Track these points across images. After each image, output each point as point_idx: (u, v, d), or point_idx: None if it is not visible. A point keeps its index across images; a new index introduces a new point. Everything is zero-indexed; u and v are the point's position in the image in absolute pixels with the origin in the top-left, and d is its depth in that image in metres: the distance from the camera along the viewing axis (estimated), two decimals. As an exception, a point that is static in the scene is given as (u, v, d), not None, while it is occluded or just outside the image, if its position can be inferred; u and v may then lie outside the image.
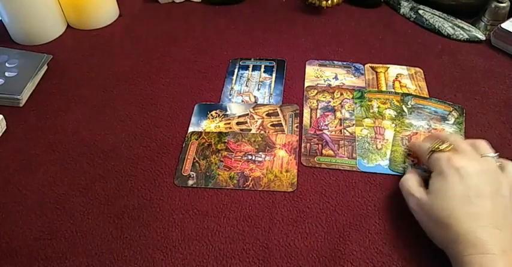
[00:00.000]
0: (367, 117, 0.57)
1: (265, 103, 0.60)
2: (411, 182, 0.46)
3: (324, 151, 0.54)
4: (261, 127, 0.56)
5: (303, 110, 0.59)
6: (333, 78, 0.63)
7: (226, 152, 0.53)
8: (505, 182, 0.42)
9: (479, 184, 0.41)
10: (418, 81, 0.63)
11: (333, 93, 0.61)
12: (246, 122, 0.57)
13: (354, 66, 0.65)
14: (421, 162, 0.51)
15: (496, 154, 0.45)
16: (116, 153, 0.54)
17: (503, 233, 0.38)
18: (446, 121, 0.57)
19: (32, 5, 0.66)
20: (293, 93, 0.61)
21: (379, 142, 0.54)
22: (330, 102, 0.60)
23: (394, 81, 0.63)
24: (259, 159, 0.53)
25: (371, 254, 0.44)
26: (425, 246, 0.44)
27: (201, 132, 0.56)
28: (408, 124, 0.56)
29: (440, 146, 0.45)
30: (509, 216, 0.40)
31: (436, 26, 0.71)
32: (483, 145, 0.46)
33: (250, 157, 0.53)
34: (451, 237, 0.40)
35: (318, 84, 0.63)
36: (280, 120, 0.57)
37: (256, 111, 0.59)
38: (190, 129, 0.57)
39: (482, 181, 0.41)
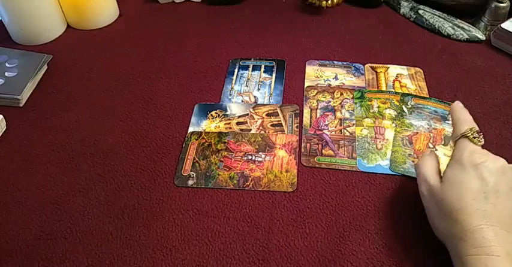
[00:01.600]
0: (367, 117, 0.57)
1: (265, 103, 0.60)
2: (428, 167, 0.44)
3: (324, 151, 0.54)
4: (261, 127, 0.56)
5: (303, 110, 0.59)
6: (333, 78, 0.63)
7: (226, 152, 0.53)
8: None
9: (498, 182, 0.40)
10: (418, 81, 0.63)
11: (333, 93, 0.61)
12: (246, 122, 0.57)
13: (354, 66, 0.65)
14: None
15: None
16: (116, 153, 0.54)
17: (510, 235, 0.38)
18: (447, 121, 0.57)
19: (32, 5, 0.66)
20: (293, 93, 0.61)
21: (379, 142, 0.54)
22: (330, 102, 0.60)
23: (394, 81, 0.63)
24: (259, 159, 0.53)
25: (371, 254, 0.44)
26: (425, 246, 0.44)
27: (201, 132, 0.56)
28: (408, 124, 0.56)
29: (474, 137, 0.43)
30: None
31: (436, 26, 0.71)
32: None
33: (250, 157, 0.53)
34: (457, 232, 0.39)
35: (318, 84, 0.63)
36: (280, 120, 0.57)
37: (256, 111, 0.59)
38: (190, 129, 0.57)
39: (502, 179, 0.40)
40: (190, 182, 0.51)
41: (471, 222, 0.38)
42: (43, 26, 0.70)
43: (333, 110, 0.59)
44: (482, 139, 0.43)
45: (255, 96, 0.61)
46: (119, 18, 0.76)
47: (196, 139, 0.55)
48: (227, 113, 0.59)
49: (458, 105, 0.47)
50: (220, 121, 0.58)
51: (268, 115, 0.58)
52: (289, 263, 0.44)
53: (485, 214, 0.38)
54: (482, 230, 0.37)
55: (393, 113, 0.58)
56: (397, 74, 0.64)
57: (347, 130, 0.56)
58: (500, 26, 0.66)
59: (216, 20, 0.75)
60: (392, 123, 0.57)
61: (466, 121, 0.45)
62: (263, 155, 0.53)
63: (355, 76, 0.64)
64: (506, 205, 0.39)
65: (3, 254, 0.45)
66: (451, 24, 0.71)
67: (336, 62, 0.66)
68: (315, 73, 0.64)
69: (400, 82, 0.63)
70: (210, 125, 0.57)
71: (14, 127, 0.58)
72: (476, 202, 0.39)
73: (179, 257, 0.44)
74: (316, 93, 0.61)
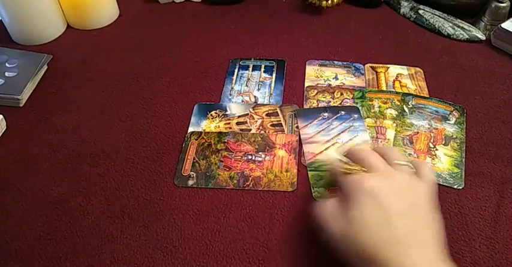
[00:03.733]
0: (368, 117, 0.57)
1: (265, 103, 0.60)
2: (328, 212, 0.41)
3: (324, 151, 0.53)
4: (260, 127, 0.56)
5: (303, 110, 0.59)
6: (333, 78, 0.63)
7: (226, 152, 0.53)
8: (421, 189, 0.40)
9: (394, 204, 0.38)
10: (418, 81, 0.63)
11: (333, 93, 0.61)
12: (246, 122, 0.57)
13: (354, 66, 0.65)
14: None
15: (408, 162, 0.43)
16: (116, 153, 0.54)
17: (426, 251, 0.37)
18: (447, 121, 0.57)
19: (32, 5, 0.66)
20: (293, 93, 0.61)
21: (381, 141, 0.54)
22: (330, 102, 0.60)
23: (394, 81, 0.63)
24: (259, 159, 0.53)
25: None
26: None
27: (200, 132, 0.56)
28: (409, 124, 0.56)
29: (349, 169, 0.42)
30: (431, 230, 0.38)
31: (436, 26, 0.71)
32: (394, 153, 0.44)
33: (250, 157, 0.53)
34: None
35: (318, 84, 0.63)
36: (280, 120, 0.57)
37: (256, 111, 0.59)
38: (190, 129, 0.57)
39: (397, 199, 0.38)
40: (190, 182, 0.51)
41: (386, 254, 0.36)
42: (43, 26, 0.70)
43: (333, 110, 0.58)
44: (361, 168, 0.42)
45: (255, 96, 0.61)
46: (119, 18, 0.76)
47: (196, 139, 0.55)
48: (227, 113, 0.58)
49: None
50: (220, 121, 0.58)
51: (268, 115, 0.58)
52: (289, 263, 0.44)
53: (398, 239, 0.36)
54: (399, 260, 0.35)
55: (394, 113, 0.58)
56: (397, 74, 0.64)
57: (347, 130, 0.56)
58: (500, 26, 0.66)
59: (216, 20, 0.75)
60: (393, 122, 0.57)
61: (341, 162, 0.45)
62: (263, 155, 0.53)
63: (355, 76, 0.64)
64: (414, 223, 0.38)
65: (4, 254, 0.45)
66: (451, 24, 0.71)
67: (336, 62, 0.66)
68: (315, 73, 0.64)
69: (400, 82, 0.63)
70: (209, 125, 0.57)
71: (14, 127, 0.58)
72: (383, 232, 0.37)
73: (179, 257, 0.44)
74: (316, 93, 0.61)
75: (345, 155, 0.46)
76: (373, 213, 0.38)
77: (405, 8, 0.75)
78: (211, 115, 0.58)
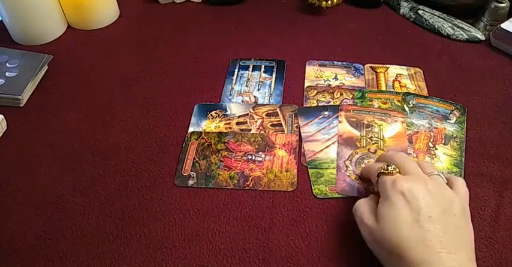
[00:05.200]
0: (367, 117, 0.57)
1: (265, 103, 0.60)
2: (363, 208, 0.43)
3: (324, 151, 0.54)
4: (260, 127, 0.56)
5: (303, 110, 0.59)
6: (333, 78, 0.64)
7: (226, 152, 0.54)
8: (455, 199, 0.40)
9: (427, 206, 0.39)
10: (418, 81, 0.63)
11: (333, 93, 0.61)
12: (246, 122, 0.57)
13: (354, 66, 0.65)
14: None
15: (441, 172, 0.43)
16: (116, 153, 0.54)
17: (458, 256, 0.37)
18: (448, 120, 0.57)
19: (32, 5, 0.66)
20: (293, 93, 0.61)
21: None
22: (329, 102, 0.60)
23: (393, 81, 0.63)
24: (259, 159, 0.53)
25: (372, 254, 0.44)
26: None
27: (201, 132, 0.56)
28: (409, 124, 0.56)
29: (386, 169, 0.43)
30: (463, 236, 0.39)
31: (436, 26, 0.71)
32: (427, 164, 0.44)
33: (250, 157, 0.53)
34: None
35: (317, 84, 0.63)
36: (280, 120, 0.57)
37: (256, 111, 0.59)
38: (190, 129, 0.57)
39: (430, 202, 0.39)
40: (190, 182, 0.51)
41: (414, 255, 0.37)
42: (44, 26, 0.70)
43: (333, 110, 0.59)
44: (396, 168, 0.43)
45: (255, 96, 0.61)
46: (119, 18, 0.76)
47: (196, 139, 0.55)
48: (227, 113, 0.59)
49: (363, 168, 0.50)
50: (220, 121, 0.58)
51: (268, 115, 0.58)
52: (289, 263, 0.44)
53: (426, 243, 0.37)
54: (429, 261, 0.36)
55: (393, 113, 0.58)
56: (397, 74, 0.64)
57: (347, 130, 0.56)
58: (499, 26, 0.66)
59: (216, 20, 0.75)
60: (392, 122, 0.57)
61: (372, 164, 0.47)
62: (263, 155, 0.53)
63: (354, 76, 0.64)
64: (445, 227, 0.38)
65: (4, 254, 0.45)
66: (450, 25, 0.71)
67: (335, 62, 0.66)
68: (314, 74, 0.64)
69: (399, 82, 0.63)
70: (210, 125, 0.57)
71: (15, 127, 0.58)
72: (413, 233, 0.38)
73: (179, 256, 0.44)
74: (316, 93, 0.61)
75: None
76: (404, 213, 0.39)
77: (405, 8, 0.76)
78: (211, 115, 0.58)
